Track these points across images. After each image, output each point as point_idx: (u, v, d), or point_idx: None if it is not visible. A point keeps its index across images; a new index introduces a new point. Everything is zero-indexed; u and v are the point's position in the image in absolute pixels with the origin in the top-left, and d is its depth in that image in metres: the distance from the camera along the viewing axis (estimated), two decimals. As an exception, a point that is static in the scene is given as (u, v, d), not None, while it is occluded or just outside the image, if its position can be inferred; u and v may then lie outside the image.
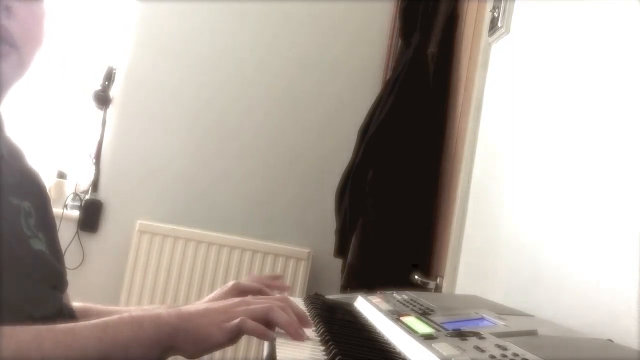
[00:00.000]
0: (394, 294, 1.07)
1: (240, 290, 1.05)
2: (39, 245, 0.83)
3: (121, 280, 2.52)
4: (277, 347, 0.72)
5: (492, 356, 0.62)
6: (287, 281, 2.50)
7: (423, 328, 0.78)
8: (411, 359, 0.71)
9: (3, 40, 0.77)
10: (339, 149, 2.47)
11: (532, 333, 0.76)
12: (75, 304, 0.96)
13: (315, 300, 1.08)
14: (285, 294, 1.05)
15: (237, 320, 0.76)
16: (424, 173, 1.96)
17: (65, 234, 2.53)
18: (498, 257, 1.33)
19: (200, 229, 2.56)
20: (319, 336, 0.79)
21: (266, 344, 0.77)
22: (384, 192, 1.99)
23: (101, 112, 2.68)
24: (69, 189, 2.71)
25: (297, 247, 2.56)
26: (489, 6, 1.61)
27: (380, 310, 0.95)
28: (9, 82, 0.81)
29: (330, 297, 1.18)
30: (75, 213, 2.64)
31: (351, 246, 2.06)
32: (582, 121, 1.06)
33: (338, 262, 2.23)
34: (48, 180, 2.63)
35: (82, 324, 0.72)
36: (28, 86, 2.53)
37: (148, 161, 2.67)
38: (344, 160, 2.21)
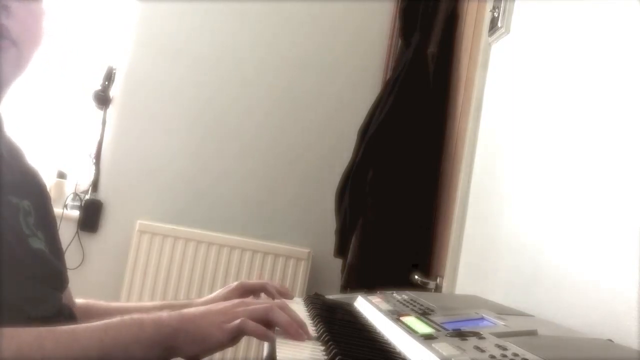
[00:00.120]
0: (394, 294, 1.07)
1: (244, 290, 1.05)
2: (38, 244, 0.83)
3: (121, 280, 2.52)
4: (277, 347, 0.72)
5: (492, 356, 0.62)
6: (287, 281, 2.51)
7: (423, 328, 0.78)
8: (411, 359, 0.71)
9: (2, 37, 0.77)
10: (339, 149, 2.47)
11: (532, 333, 0.76)
12: (78, 300, 0.96)
13: (315, 300, 1.08)
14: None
15: (237, 321, 0.76)
16: (424, 173, 1.96)
17: (65, 234, 2.53)
18: (498, 257, 1.33)
19: (200, 229, 2.56)
20: (319, 336, 0.79)
21: (266, 344, 0.77)
22: (384, 192, 1.99)
23: (101, 112, 2.68)
24: (69, 189, 2.71)
25: (297, 247, 2.56)
26: (489, 6, 1.61)
27: (380, 310, 0.95)
28: (8, 78, 0.81)
29: (330, 297, 1.18)
30: (75, 213, 2.64)
31: (351, 246, 2.06)
32: (582, 121, 1.06)
33: (338, 262, 2.23)
34: (48, 180, 2.63)
35: (83, 325, 0.73)
36: (28, 86, 2.53)
37: (148, 161, 2.67)
38: (344, 160, 2.21)
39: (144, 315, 0.75)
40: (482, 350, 0.63)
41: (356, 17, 2.74)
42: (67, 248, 2.51)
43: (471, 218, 1.57)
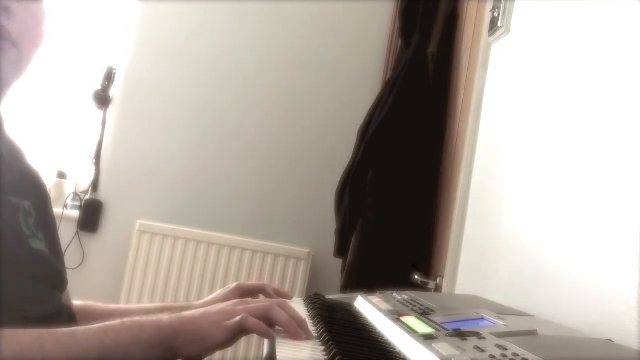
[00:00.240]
0: (394, 294, 1.07)
1: (243, 291, 1.05)
2: (38, 244, 0.83)
3: (121, 280, 2.52)
4: (277, 346, 0.72)
5: (492, 356, 0.62)
6: (287, 281, 2.51)
7: (423, 328, 0.78)
8: (411, 359, 0.71)
9: (2, 38, 0.77)
10: (339, 149, 2.47)
11: (532, 333, 0.76)
12: (76, 302, 0.96)
13: (315, 300, 1.08)
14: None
15: (238, 317, 0.76)
16: (424, 173, 1.96)
17: (65, 234, 2.53)
18: (498, 257, 1.33)
19: (200, 229, 2.56)
20: (319, 336, 0.79)
21: (266, 344, 0.77)
22: (384, 192, 1.99)
23: (101, 112, 2.68)
24: (69, 189, 2.71)
25: (297, 247, 2.56)
26: (489, 6, 1.61)
27: (380, 310, 0.95)
28: (9, 80, 0.81)
29: (330, 297, 1.18)
30: (75, 213, 2.64)
31: (351, 246, 2.06)
32: (582, 121, 1.06)
33: (338, 262, 2.23)
34: (48, 180, 2.63)
35: (84, 327, 0.73)
36: (28, 86, 2.53)
37: (148, 161, 2.67)
38: (344, 160, 2.21)
39: (144, 318, 0.75)
40: (482, 350, 0.63)
41: (356, 17, 2.74)
42: (67, 248, 2.51)
43: (471, 218, 1.57)
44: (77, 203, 2.66)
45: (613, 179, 0.92)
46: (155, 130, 2.68)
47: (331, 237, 2.17)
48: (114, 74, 2.68)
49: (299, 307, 1.01)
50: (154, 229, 2.53)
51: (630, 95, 0.91)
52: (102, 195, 2.67)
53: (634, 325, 0.78)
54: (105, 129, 2.69)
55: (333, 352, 0.68)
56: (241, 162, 2.70)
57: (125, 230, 2.60)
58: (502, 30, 1.51)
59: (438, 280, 1.71)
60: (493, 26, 1.56)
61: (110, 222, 2.67)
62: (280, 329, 0.79)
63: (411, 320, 0.83)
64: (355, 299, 1.12)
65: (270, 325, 0.78)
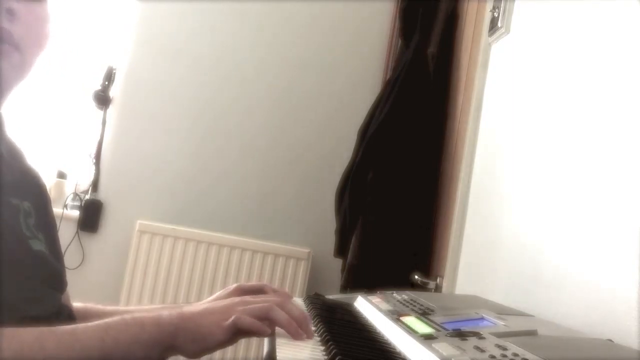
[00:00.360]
0: (394, 294, 1.07)
1: (242, 291, 1.05)
2: (38, 245, 0.83)
3: (121, 280, 2.52)
4: (277, 347, 0.72)
5: (492, 356, 0.62)
6: (287, 281, 2.50)
7: (423, 328, 0.78)
8: (411, 359, 0.71)
9: (4, 42, 0.77)
10: (339, 149, 2.47)
11: (532, 333, 0.76)
12: (76, 304, 0.96)
13: (315, 300, 1.08)
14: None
15: (232, 317, 0.76)
16: (424, 173, 1.96)
17: (65, 234, 2.53)
18: (498, 257, 1.33)
19: (200, 229, 2.56)
20: (319, 336, 0.79)
21: (266, 344, 0.77)
22: (384, 192, 1.99)
23: (101, 112, 2.68)
24: (69, 189, 2.71)
25: (297, 247, 2.56)
26: (489, 6, 1.61)
27: (380, 310, 0.95)
28: (10, 83, 0.81)
29: (330, 297, 1.18)
30: (75, 213, 2.64)
31: (351, 246, 2.06)
32: (582, 121, 1.06)
33: (338, 262, 2.23)
34: (48, 180, 2.63)
35: (84, 325, 0.73)
36: (28, 86, 2.52)
37: (148, 161, 2.67)
38: (344, 160, 2.21)
39: (144, 315, 0.75)
40: (482, 350, 0.63)
41: (356, 17, 2.73)
42: (67, 248, 2.51)
43: (471, 218, 1.57)
44: (77, 203, 2.66)
45: (613, 179, 0.92)
46: (155, 130, 2.68)
47: (331, 237, 2.17)
48: (114, 74, 2.68)
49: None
50: (154, 229, 2.53)
51: (630, 95, 0.91)
52: (102, 195, 2.67)
53: (634, 325, 0.78)
54: (105, 129, 2.69)
55: (333, 352, 0.68)
56: (241, 162, 2.70)
57: (125, 230, 2.60)
58: (502, 30, 1.51)
59: (438, 280, 1.71)
60: (493, 26, 1.56)
61: (110, 222, 2.67)
62: (281, 330, 0.79)
63: (411, 320, 0.83)
64: (355, 299, 1.12)
65: (271, 326, 0.78)
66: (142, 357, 0.72)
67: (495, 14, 1.54)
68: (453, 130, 1.89)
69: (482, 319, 0.82)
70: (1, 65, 0.78)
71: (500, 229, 1.34)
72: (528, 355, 0.61)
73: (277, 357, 0.68)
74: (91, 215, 2.64)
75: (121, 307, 1.17)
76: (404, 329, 0.79)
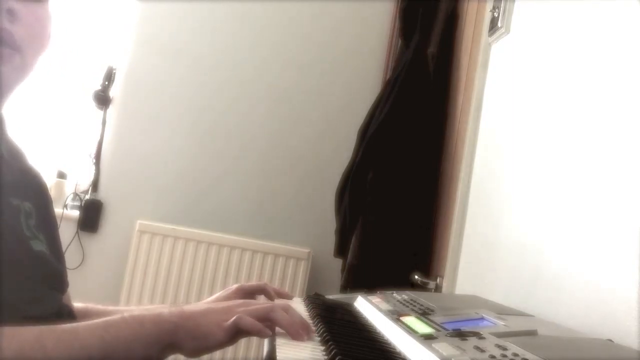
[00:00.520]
0: (394, 294, 1.07)
1: (244, 292, 1.05)
2: (39, 246, 0.83)
3: (121, 280, 2.52)
4: (277, 347, 0.72)
5: (492, 356, 0.62)
6: (287, 281, 2.51)
7: (423, 328, 0.78)
8: (411, 359, 0.71)
9: (5, 44, 0.77)
10: (339, 149, 2.47)
11: (532, 333, 0.76)
12: (76, 304, 0.96)
13: (315, 300, 1.08)
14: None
15: (234, 318, 0.76)
16: (424, 173, 1.96)
17: (65, 234, 2.53)
18: (498, 257, 1.33)
19: (200, 229, 2.56)
20: (319, 336, 0.79)
21: (266, 344, 0.77)
22: (384, 192, 1.99)
23: (101, 112, 2.68)
24: (69, 189, 2.71)
25: (297, 247, 2.56)
26: (489, 6, 1.61)
27: (380, 310, 0.95)
28: (11, 85, 0.81)
29: (330, 297, 1.18)
30: (75, 213, 2.64)
31: (351, 246, 2.06)
32: (582, 121, 1.06)
33: (338, 262, 2.23)
34: (48, 180, 2.63)
35: (84, 323, 0.73)
36: (28, 86, 2.52)
37: (148, 161, 2.67)
38: (344, 160, 2.21)
39: (145, 313, 0.75)
40: (482, 350, 0.63)
41: (356, 17, 2.74)
42: (67, 248, 2.51)
43: (471, 218, 1.57)
44: (77, 203, 2.67)
45: (613, 179, 0.92)
46: (155, 130, 2.68)
47: (331, 237, 2.17)
48: (114, 74, 2.68)
49: (299, 307, 1.01)
50: (154, 229, 2.53)
51: (630, 95, 0.91)
52: (102, 195, 2.67)
53: (634, 325, 0.79)
54: (105, 129, 2.69)
55: (333, 352, 0.68)
56: (241, 162, 2.70)
57: (125, 230, 2.60)
58: (502, 30, 1.51)
59: (438, 280, 1.71)
60: (493, 26, 1.56)
61: (110, 222, 2.67)
62: (282, 331, 0.79)
63: (411, 320, 0.83)
64: (355, 299, 1.12)
65: (272, 327, 0.78)
66: (143, 355, 0.72)
67: (495, 14, 1.54)
68: (453, 130, 1.89)
69: (482, 319, 0.82)
70: (2, 67, 0.77)
71: (500, 229, 1.34)
72: (528, 355, 0.61)
73: (277, 357, 0.68)
74: (91, 215, 2.64)
75: (121, 307, 1.17)
76: (404, 329, 0.79)
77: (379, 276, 1.89)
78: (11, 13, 0.77)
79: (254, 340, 2.44)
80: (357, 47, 2.73)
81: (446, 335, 0.71)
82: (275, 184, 2.70)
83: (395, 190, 1.97)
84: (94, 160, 2.67)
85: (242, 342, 2.45)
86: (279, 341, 0.75)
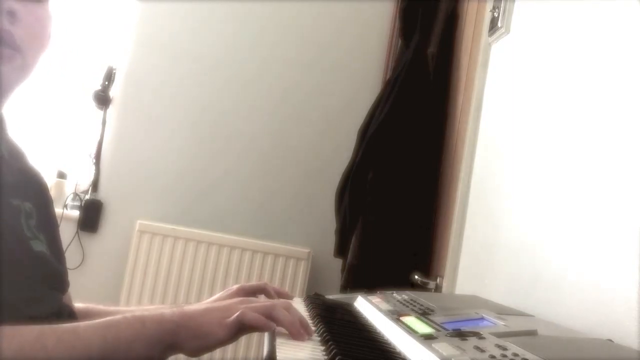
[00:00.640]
0: (394, 294, 1.07)
1: (244, 292, 1.05)
2: (39, 246, 0.83)
3: (121, 280, 2.52)
4: (277, 347, 0.72)
5: (492, 356, 0.62)
6: (287, 281, 2.51)
7: (423, 328, 0.78)
8: (411, 359, 0.71)
9: (5, 44, 0.77)
10: (339, 149, 2.47)
11: (532, 333, 0.76)
12: (77, 305, 0.96)
13: (315, 300, 1.08)
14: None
15: (237, 313, 0.76)
16: (424, 173, 1.96)
17: (65, 234, 2.52)
18: (498, 257, 1.33)
19: (200, 229, 2.56)
20: (319, 336, 0.79)
21: (266, 344, 0.77)
22: (384, 192, 1.99)
23: (101, 112, 2.68)
24: (69, 189, 2.71)
25: (297, 247, 2.56)
26: (489, 6, 1.61)
27: (380, 310, 0.95)
28: (12, 85, 0.81)
29: (330, 297, 1.18)
30: (75, 213, 2.64)
31: (351, 246, 2.06)
32: (582, 121, 1.06)
33: (338, 262, 2.23)
34: (48, 180, 2.63)
35: (85, 323, 0.73)
36: (29, 86, 2.52)
37: (148, 161, 2.67)
38: (344, 160, 2.21)
39: (146, 313, 0.75)
40: (482, 350, 0.63)
41: (356, 17, 2.73)
42: (67, 248, 2.51)
43: (471, 218, 1.57)
44: (77, 203, 2.66)
45: (613, 179, 0.92)
46: (155, 130, 2.68)
47: (331, 237, 2.17)
48: (114, 74, 2.68)
49: (299, 307, 1.01)
50: (154, 229, 2.53)
51: (630, 95, 0.91)
52: (102, 195, 2.67)
53: (634, 325, 0.79)
54: (105, 129, 2.69)
55: (333, 352, 0.68)
56: (241, 161, 2.70)
57: (125, 230, 2.60)
58: (502, 30, 1.51)
59: (438, 280, 1.71)
60: (493, 26, 1.56)
61: (110, 222, 2.67)
62: (282, 330, 0.79)
63: (411, 320, 0.83)
64: (355, 299, 1.12)
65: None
66: (144, 355, 0.72)
67: (495, 14, 1.54)
68: (453, 130, 1.89)
69: (482, 319, 0.82)
70: (2, 68, 0.77)
71: (500, 229, 1.34)
72: (528, 355, 0.61)
73: (277, 357, 0.68)
74: (91, 215, 2.64)
75: (122, 308, 1.17)
76: (404, 329, 0.79)
77: (379, 276, 1.89)
78: (11, 14, 0.77)
79: (254, 340, 2.44)
80: (357, 47, 2.73)
81: (446, 335, 0.71)
82: (276, 184, 2.70)
83: (395, 190, 1.98)
84: (94, 160, 2.67)
85: (242, 342, 2.45)
86: (279, 341, 0.75)
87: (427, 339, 0.71)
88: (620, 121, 0.93)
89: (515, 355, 0.61)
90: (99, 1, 2.76)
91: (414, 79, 2.04)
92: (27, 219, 0.82)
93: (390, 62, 2.63)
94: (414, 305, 0.95)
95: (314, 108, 2.72)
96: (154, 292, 2.49)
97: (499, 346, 0.65)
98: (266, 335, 0.79)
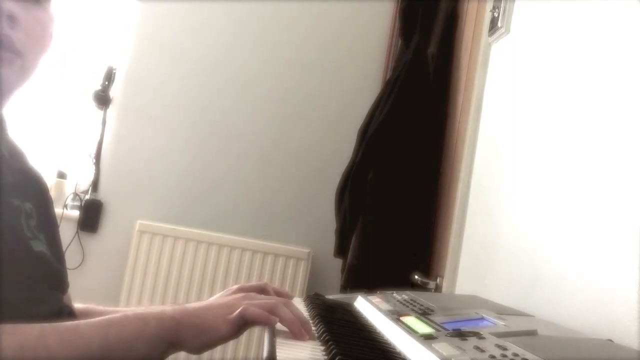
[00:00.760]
0: (394, 294, 1.07)
1: (244, 292, 1.05)
2: (39, 246, 0.83)
3: (121, 280, 2.52)
4: (277, 347, 0.72)
5: (492, 356, 0.62)
6: (287, 281, 2.51)
7: (423, 328, 0.78)
8: (411, 359, 0.71)
9: (5, 48, 0.77)
10: (339, 149, 2.47)
11: (532, 333, 0.76)
12: (78, 305, 0.96)
13: (315, 300, 1.08)
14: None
15: (240, 309, 0.76)
16: (424, 173, 1.96)
17: (65, 234, 2.52)
18: (498, 257, 1.33)
19: (200, 229, 2.56)
20: (319, 336, 0.79)
21: (266, 344, 0.77)
22: (384, 192, 1.99)
23: (101, 112, 2.68)
24: (69, 189, 2.71)
25: (297, 247, 2.56)
26: (489, 6, 1.61)
27: (380, 310, 0.95)
28: (12, 87, 0.81)
29: (330, 297, 1.18)
30: (75, 213, 2.64)
31: (351, 246, 2.06)
32: (581, 121, 1.06)
33: (338, 262, 2.23)
34: (48, 180, 2.63)
35: (87, 321, 0.73)
36: (29, 86, 2.52)
37: (148, 161, 2.67)
38: (344, 160, 2.21)
39: (147, 310, 0.75)
40: (482, 350, 0.63)
41: (356, 17, 2.74)
42: (67, 248, 2.51)
43: (471, 218, 1.57)
44: (77, 203, 2.67)
45: (613, 179, 0.92)
46: (155, 130, 2.68)
47: (331, 237, 2.17)
48: (114, 74, 2.68)
49: (299, 307, 1.01)
50: (154, 229, 2.53)
51: (630, 95, 0.91)
52: (102, 195, 2.67)
53: (634, 325, 0.79)
54: (105, 129, 2.69)
55: (333, 352, 0.68)
56: (241, 162, 2.70)
57: (125, 230, 2.60)
58: (502, 30, 1.51)
59: (438, 280, 1.71)
60: (493, 26, 1.56)
61: (110, 222, 2.67)
62: (282, 330, 0.79)
63: (411, 320, 0.83)
64: (355, 299, 1.12)
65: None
66: (146, 353, 0.72)
67: (495, 14, 1.54)
68: (453, 130, 1.89)
69: (482, 319, 0.82)
70: (2, 70, 0.77)
71: (500, 229, 1.34)
72: (528, 355, 0.61)
73: (277, 357, 0.68)
74: (91, 215, 2.64)
75: (123, 308, 1.17)
76: (404, 329, 0.79)
77: (379, 276, 1.89)
78: (11, 18, 0.77)
79: (254, 340, 2.44)
80: (357, 47, 2.73)
81: (446, 335, 0.71)
82: (276, 184, 2.70)
83: (395, 190, 1.98)
84: (94, 160, 2.67)
85: (242, 342, 2.45)
86: (279, 340, 0.75)
87: (427, 339, 0.71)
88: (620, 121, 0.93)
89: (515, 355, 0.61)
90: (99, 1, 2.76)
91: (414, 79, 2.04)
92: (27, 219, 0.82)
93: (390, 62, 2.63)
94: (414, 305, 0.95)
95: (314, 108, 2.72)
96: (154, 292, 2.49)
97: (499, 346, 0.65)
98: (266, 335, 0.79)
